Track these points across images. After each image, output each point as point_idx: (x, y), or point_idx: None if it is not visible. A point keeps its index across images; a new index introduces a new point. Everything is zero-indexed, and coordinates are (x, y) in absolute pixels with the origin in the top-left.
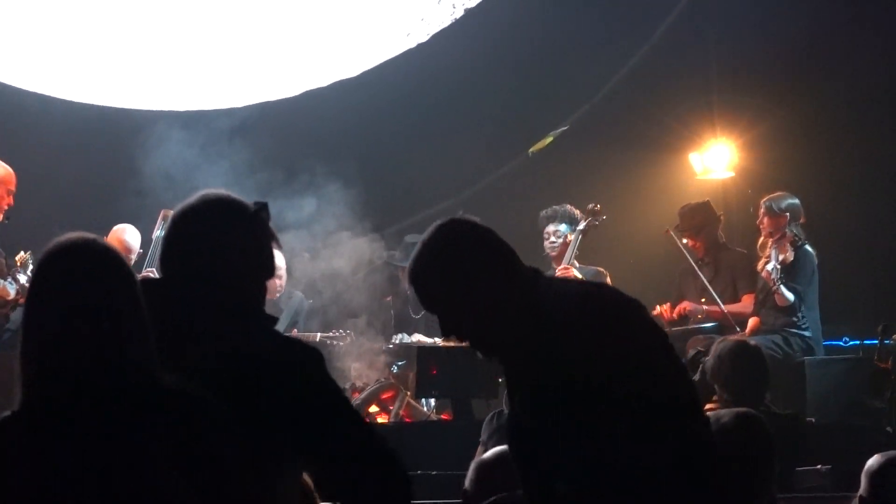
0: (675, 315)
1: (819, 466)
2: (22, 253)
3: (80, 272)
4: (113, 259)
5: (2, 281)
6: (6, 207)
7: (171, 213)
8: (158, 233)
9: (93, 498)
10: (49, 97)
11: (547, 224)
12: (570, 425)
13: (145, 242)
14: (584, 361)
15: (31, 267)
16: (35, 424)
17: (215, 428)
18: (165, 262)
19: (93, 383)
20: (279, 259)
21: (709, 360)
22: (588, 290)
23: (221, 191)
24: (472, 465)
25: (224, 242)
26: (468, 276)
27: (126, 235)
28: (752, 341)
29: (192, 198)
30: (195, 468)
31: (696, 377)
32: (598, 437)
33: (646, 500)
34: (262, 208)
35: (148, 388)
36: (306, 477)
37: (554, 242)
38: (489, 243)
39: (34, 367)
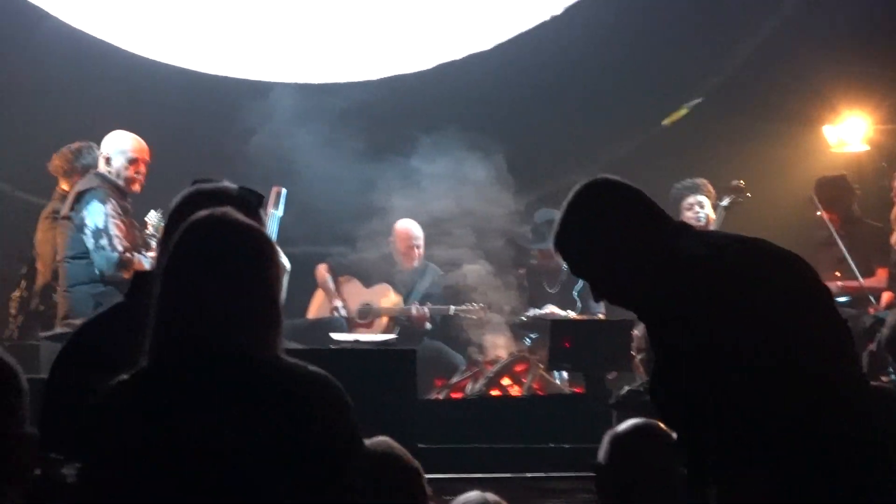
0: None
1: None
2: (152, 212)
3: (218, 248)
4: (252, 238)
5: (138, 255)
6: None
7: (283, 190)
8: (275, 210)
9: (201, 459)
10: (180, 68)
11: (687, 195)
12: (710, 390)
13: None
14: (729, 322)
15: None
16: (157, 385)
17: (329, 410)
18: None
19: (217, 354)
20: (416, 229)
21: (884, 330)
22: (741, 248)
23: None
24: (606, 438)
25: None
26: (613, 237)
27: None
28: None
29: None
30: (301, 446)
31: (873, 347)
32: (736, 403)
33: (790, 461)
34: (248, 193)
35: (269, 365)
36: (400, 453)
37: (699, 213)
38: (631, 202)
39: (164, 332)
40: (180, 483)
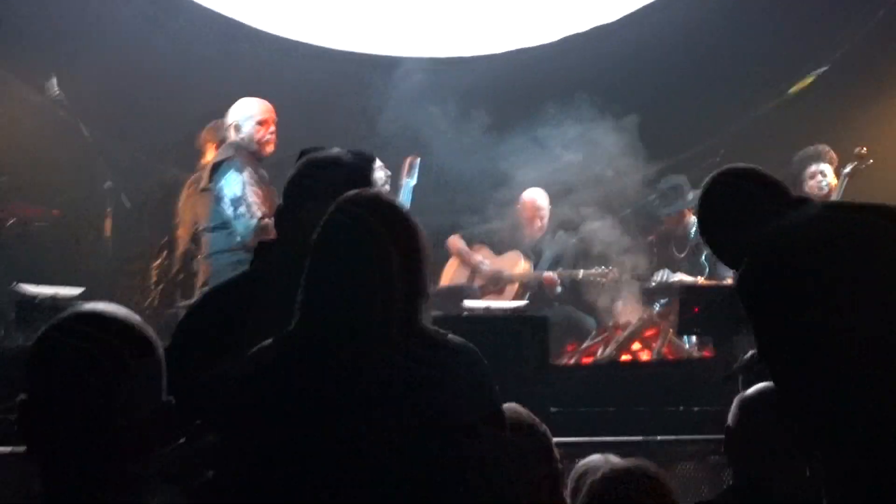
0: None
1: None
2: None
3: (365, 227)
4: (398, 216)
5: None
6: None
7: (417, 159)
8: (409, 179)
9: (346, 427)
10: (310, 45)
11: (809, 164)
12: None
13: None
14: (845, 298)
15: None
16: (304, 346)
17: (471, 378)
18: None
19: (363, 326)
20: (541, 199)
21: None
22: (861, 220)
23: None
24: (735, 402)
25: None
26: (748, 226)
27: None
28: None
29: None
30: (444, 413)
31: None
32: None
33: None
34: (359, 158)
35: (413, 335)
36: (529, 419)
37: (821, 182)
38: (756, 189)
39: (312, 305)
40: (323, 450)
